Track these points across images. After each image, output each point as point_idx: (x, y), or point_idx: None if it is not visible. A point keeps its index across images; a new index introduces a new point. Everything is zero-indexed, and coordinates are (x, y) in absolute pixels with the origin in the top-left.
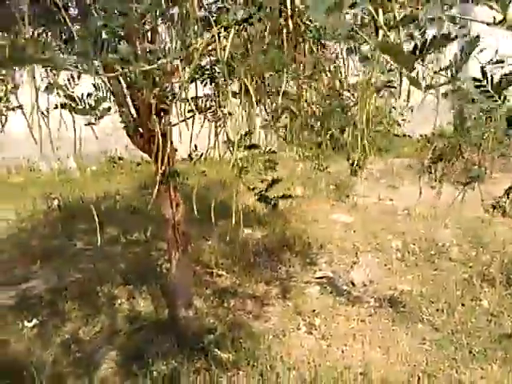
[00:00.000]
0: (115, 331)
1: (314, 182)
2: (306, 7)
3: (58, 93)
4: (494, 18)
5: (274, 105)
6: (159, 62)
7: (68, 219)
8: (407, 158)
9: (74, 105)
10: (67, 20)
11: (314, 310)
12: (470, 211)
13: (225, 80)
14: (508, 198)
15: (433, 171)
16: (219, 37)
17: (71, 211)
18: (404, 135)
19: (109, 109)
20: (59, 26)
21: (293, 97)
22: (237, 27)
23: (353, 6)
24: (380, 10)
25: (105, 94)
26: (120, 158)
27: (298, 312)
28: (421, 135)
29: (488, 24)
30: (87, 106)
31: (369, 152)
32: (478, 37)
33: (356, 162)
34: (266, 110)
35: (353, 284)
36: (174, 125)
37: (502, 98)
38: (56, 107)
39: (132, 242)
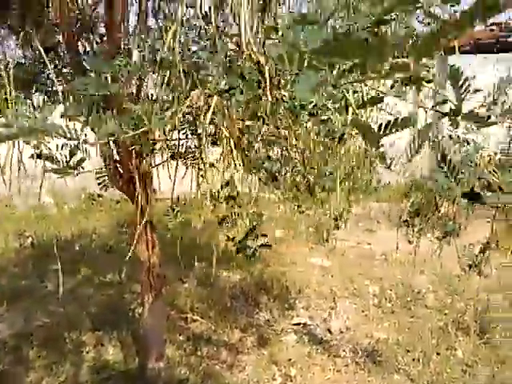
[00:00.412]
0: (80, 382)
1: (293, 224)
2: (286, 83)
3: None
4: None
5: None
6: (142, 129)
7: (41, 258)
8: (385, 203)
9: (49, 162)
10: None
11: (289, 359)
12: (446, 259)
13: (205, 137)
14: (483, 255)
15: (410, 225)
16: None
17: (45, 250)
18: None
19: (82, 160)
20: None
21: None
22: (218, 97)
23: (334, 86)
24: (350, 91)
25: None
26: (99, 196)
27: (273, 361)
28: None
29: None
30: (63, 161)
31: (348, 205)
32: (430, 124)
33: (337, 216)
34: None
35: (330, 331)
36: (154, 166)
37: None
38: (32, 157)
39: (105, 284)
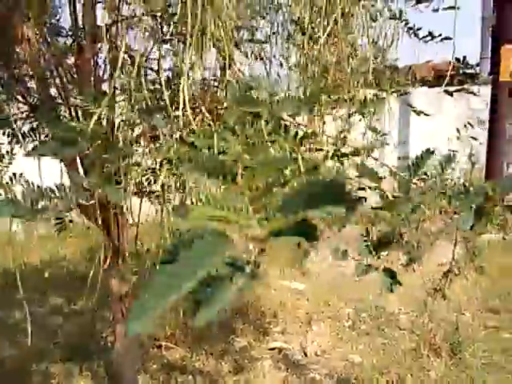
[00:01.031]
0: None
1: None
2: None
3: None
4: None
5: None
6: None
7: (8, 287)
8: (356, 226)
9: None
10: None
11: None
12: (416, 278)
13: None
14: (447, 280)
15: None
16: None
17: (12, 277)
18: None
19: (46, 208)
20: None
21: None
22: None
23: None
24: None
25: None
26: (70, 221)
27: None
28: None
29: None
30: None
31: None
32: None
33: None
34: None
35: (305, 355)
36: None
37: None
38: None
39: (76, 312)
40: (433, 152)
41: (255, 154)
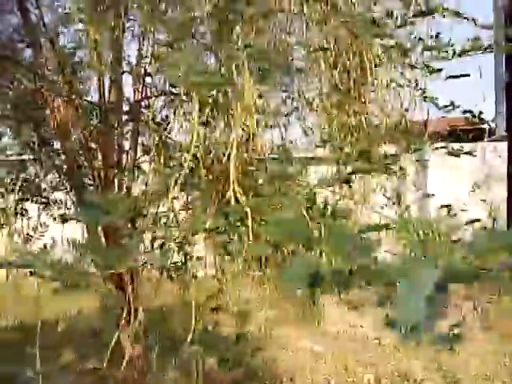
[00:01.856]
0: None
1: (281, 303)
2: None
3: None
4: None
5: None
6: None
7: (23, 341)
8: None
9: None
10: None
11: None
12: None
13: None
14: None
15: None
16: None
17: (26, 333)
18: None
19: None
20: None
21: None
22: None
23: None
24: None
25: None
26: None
27: None
28: None
29: None
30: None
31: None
32: None
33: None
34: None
35: None
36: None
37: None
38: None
39: (87, 371)
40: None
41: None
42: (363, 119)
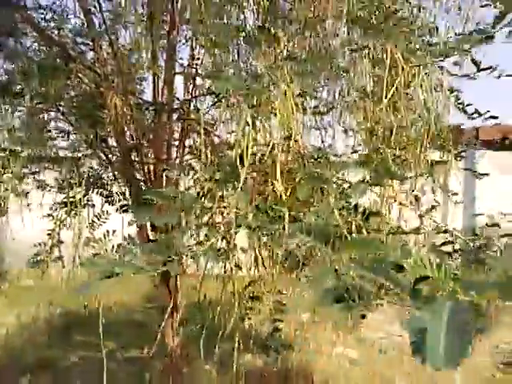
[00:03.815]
0: None
1: (318, 307)
2: None
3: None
4: None
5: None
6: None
7: (68, 329)
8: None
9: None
10: None
11: None
12: (482, 354)
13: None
14: None
15: None
16: None
17: (73, 320)
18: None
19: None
20: None
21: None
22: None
23: None
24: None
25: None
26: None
27: None
28: None
29: None
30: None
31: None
32: None
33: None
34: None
35: None
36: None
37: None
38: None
39: (129, 359)
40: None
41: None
42: (405, 123)
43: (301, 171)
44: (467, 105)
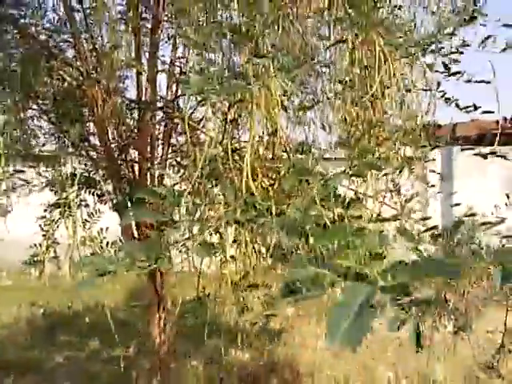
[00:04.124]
0: None
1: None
2: None
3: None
4: None
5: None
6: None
7: (51, 329)
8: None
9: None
10: None
11: None
12: (465, 346)
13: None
14: (499, 355)
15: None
16: None
17: (56, 321)
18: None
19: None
20: None
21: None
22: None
23: None
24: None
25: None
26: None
27: None
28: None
29: None
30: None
31: None
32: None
33: None
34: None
35: None
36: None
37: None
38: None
39: (113, 358)
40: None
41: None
42: (381, 118)
43: (285, 164)
44: (455, 100)
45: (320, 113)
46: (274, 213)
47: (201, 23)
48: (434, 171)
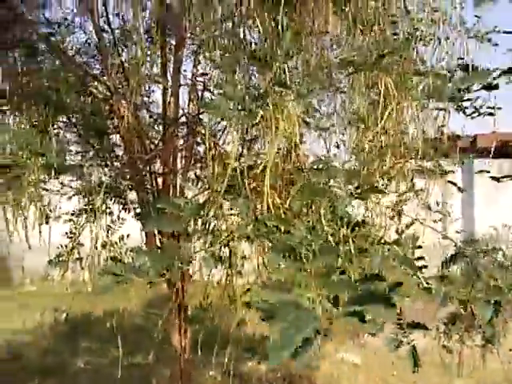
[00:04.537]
0: None
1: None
2: None
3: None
4: None
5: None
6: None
7: (73, 334)
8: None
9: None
10: None
11: None
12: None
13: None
14: None
15: (446, 333)
16: None
17: (78, 326)
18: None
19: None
20: None
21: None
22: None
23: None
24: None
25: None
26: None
27: None
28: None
29: None
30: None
31: None
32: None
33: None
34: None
35: None
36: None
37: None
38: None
39: (134, 365)
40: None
41: (316, 238)
42: (396, 136)
43: (300, 181)
44: (465, 107)
45: (334, 134)
46: (282, 230)
47: (225, 46)
48: (454, 183)
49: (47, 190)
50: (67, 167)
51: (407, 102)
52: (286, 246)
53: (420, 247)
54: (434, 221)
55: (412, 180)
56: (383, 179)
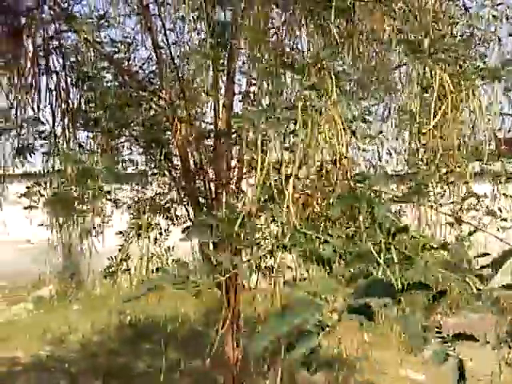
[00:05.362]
0: None
1: (381, 326)
2: None
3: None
4: None
5: None
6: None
7: (136, 337)
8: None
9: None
10: None
11: None
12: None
13: None
14: None
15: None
16: None
17: (141, 329)
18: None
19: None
20: None
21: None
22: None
23: None
24: None
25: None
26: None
27: None
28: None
29: None
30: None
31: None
32: None
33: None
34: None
35: None
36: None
37: None
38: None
39: (191, 370)
40: None
41: (352, 246)
42: (453, 141)
43: (343, 189)
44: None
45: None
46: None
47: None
48: None
49: (109, 200)
50: (131, 175)
51: (466, 99)
52: (319, 255)
53: (487, 254)
54: (498, 229)
55: (470, 184)
56: (441, 184)
